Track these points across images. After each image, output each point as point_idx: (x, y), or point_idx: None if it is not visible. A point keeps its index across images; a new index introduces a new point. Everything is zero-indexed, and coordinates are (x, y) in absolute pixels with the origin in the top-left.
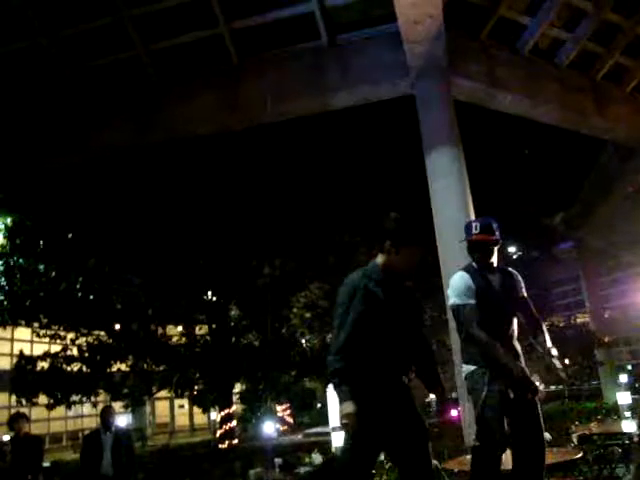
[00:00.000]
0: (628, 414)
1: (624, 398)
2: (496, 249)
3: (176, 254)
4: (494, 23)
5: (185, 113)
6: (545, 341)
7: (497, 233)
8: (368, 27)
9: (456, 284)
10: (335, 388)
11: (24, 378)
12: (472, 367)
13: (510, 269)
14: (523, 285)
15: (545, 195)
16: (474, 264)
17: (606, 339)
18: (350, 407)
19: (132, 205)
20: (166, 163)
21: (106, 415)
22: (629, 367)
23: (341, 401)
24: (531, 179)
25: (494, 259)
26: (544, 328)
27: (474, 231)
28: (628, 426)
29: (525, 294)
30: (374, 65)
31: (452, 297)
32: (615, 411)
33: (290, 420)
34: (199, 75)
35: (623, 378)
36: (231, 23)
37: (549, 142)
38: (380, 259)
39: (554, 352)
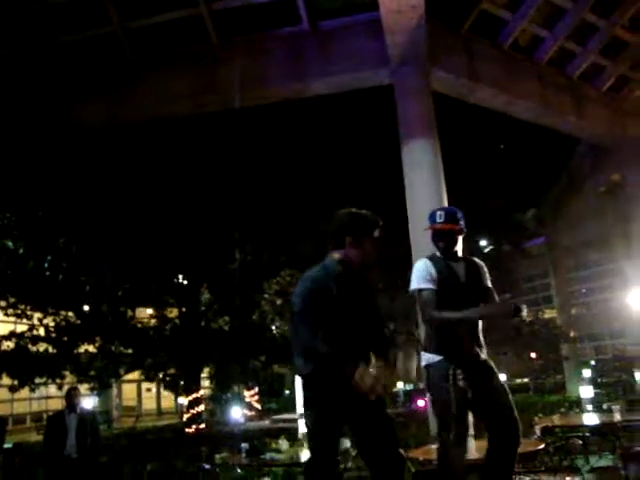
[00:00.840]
0: (590, 407)
1: (586, 392)
2: (460, 238)
3: (147, 236)
4: (475, 17)
5: (161, 92)
6: None
7: (461, 222)
8: (350, 14)
9: (417, 270)
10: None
11: None
12: (435, 357)
13: (475, 259)
14: (488, 276)
15: (518, 191)
16: (438, 253)
17: (572, 334)
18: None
19: (103, 186)
20: (139, 145)
21: (71, 396)
22: (592, 362)
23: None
24: (505, 174)
25: (458, 248)
26: None
27: (438, 220)
28: (589, 419)
29: (489, 284)
30: (355, 53)
31: (413, 283)
32: (577, 404)
33: (258, 406)
34: (177, 55)
35: (586, 373)
36: (211, 3)
37: (524, 138)
38: (337, 254)
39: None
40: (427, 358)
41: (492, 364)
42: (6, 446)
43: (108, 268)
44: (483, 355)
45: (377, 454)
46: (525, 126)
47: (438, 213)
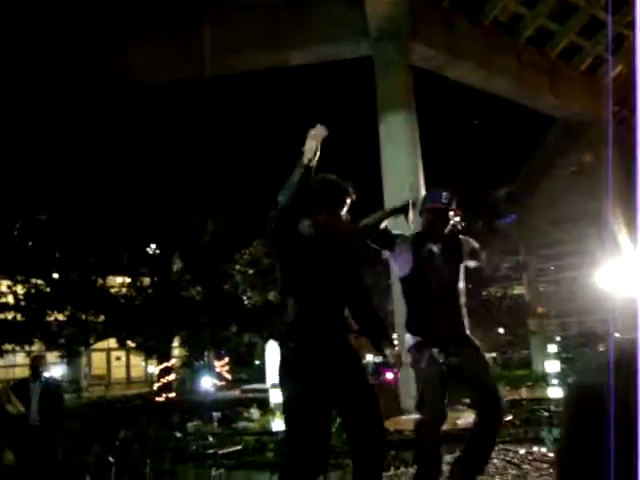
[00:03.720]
0: (555, 382)
1: (552, 367)
2: (452, 221)
3: (119, 205)
4: None
5: (137, 58)
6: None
7: (455, 206)
8: None
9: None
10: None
11: None
12: (413, 338)
13: (461, 237)
14: (471, 245)
15: (492, 169)
16: (421, 232)
17: (539, 310)
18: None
19: (75, 154)
20: (112, 112)
21: (36, 364)
22: (558, 338)
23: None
24: (480, 152)
25: (447, 229)
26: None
27: (444, 201)
28: (554, 392)
29: (471, 263)
30: (334, 23)
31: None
32: (543, 379)
33: (228, 376)
34: (154, 20)
35: (552, 348)
36: None
37: (499, 116)
38: (308, 220)
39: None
40: (407, 339)
41: (474, 340)
42: None
43: (79, 236)
44: (463, 331)
45: (359, 425)
46: (501, 103)
47: (444, 194)
